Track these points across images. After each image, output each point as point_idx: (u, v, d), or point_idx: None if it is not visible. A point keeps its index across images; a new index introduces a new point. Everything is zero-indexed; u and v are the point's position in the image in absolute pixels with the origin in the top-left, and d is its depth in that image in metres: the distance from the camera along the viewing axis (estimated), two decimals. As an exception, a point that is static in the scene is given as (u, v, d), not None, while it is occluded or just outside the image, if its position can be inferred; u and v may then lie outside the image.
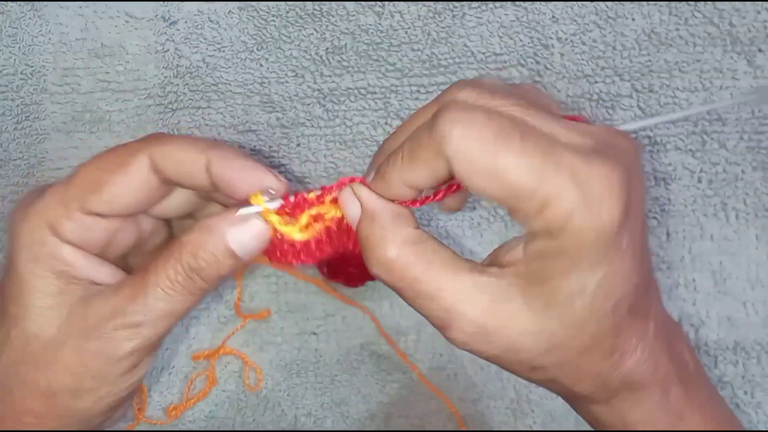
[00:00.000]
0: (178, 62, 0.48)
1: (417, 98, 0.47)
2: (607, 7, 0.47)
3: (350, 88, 0.48)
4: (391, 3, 0.48)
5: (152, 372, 0.47)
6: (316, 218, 0.34)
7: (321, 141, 0.48)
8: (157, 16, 0.49)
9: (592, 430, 0.35)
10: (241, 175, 0.34)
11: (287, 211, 0.34)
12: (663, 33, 0.47)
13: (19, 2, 0.49)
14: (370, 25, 0.48)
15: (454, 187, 0.33)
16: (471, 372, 0.47)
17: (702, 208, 0.46)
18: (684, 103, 0.47)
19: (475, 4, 0.48)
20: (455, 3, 0.48)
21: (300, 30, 0.48)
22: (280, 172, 0.47)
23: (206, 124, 0.48)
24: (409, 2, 0.48)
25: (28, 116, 0.48)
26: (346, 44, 0.48)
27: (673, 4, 0.47)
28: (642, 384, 0.32)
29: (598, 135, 0.30)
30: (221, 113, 0.48)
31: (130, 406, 0.45)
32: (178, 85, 0.48)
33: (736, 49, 0.47)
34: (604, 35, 0.47)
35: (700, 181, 0.46)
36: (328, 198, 0.34)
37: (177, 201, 0.38)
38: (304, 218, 0.34)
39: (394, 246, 0.31)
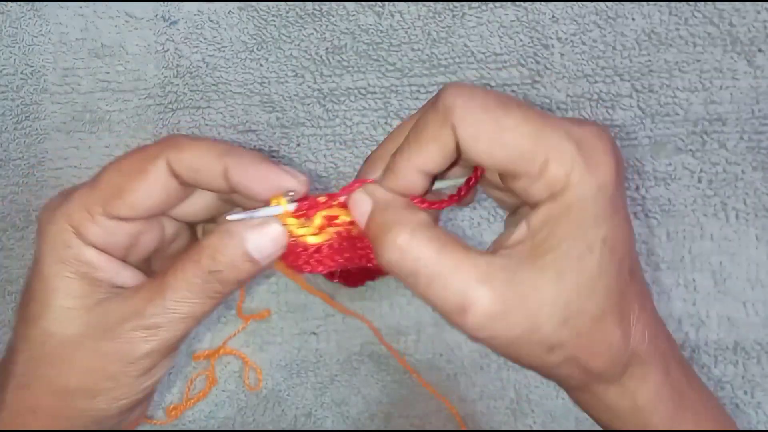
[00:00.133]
0: (178, 62, 0.48)
1: (417, 98, 0.47)
2: (607, 7, 0.47)
3: (350, 88, 0.48)
4: (391, 3, 0.48)
5: (152, 372, 0.47)
6: (329, 221, 0.35)
7: (321, 141, 0.48)
8: (157, 16, 0.49)
9: (592, 430, 0.35)
10: (259, 180, 0.34)
11: (302, 212, 0.34)
12: (663, 33, 0.47)
13: (19, 2, 0.49)
14: (370, 25, 0.48)
15: (463, 191, 0.34)
16: (471, 372, 0.47)
17: (702, 208, 0.46)
18: (684, 102, 0.47)
19: (475, 4, 0.48)
20: (455, 3, 0.48)
21: (300, 30, 0.48)
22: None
23: (206, 124, 0.48)
24: (409, 2, 0.48)
25: (28, 116, 0.48)
26: (346, 44, 0.48)
27: (673, 4, 0.47)
28: (648, 358, 0.32)
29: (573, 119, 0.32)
30: (221, 113, 0.48)
31: (146, 409, 0.44)
32: (178, 85, 0.48)
33: (736, 49, 0.47)
34: (604, 35, 0.47)
35: (700, 181, 0.46)
36: (340, 199, 0.34)
37: (198, 205, 0.38)
38: (317, 219, 0.34)
39: (407, 229, 0.31)
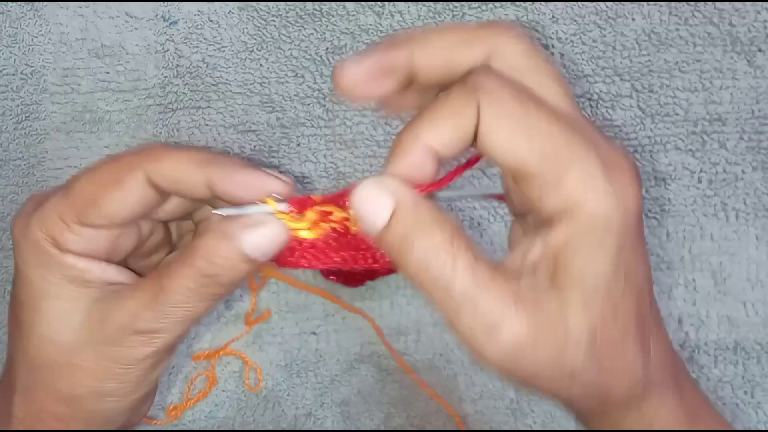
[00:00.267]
0: (178, 62, 0.48)
1: (417, 98, 0.47)
2: (607, 7, 0.47)
3: (350, 88, 0.48)
4: (391, 3, 0.48)
5: (152, 372, 0.47)
6: (323, 217, 0.34)
7: (321, 141, 0.48)
8: (157, 16, 0.49)
9: (593, 430, 0.35)
10: (245, 187, 0.34)
11: (293, 209, 0.34)
12: (663, 33, 0.47)
13: (19, 2, 0.49)
14: (370, 25, 0.48)
15: (468, 163, 0.32)
16: (471, 372, 0.47)
17: (702, 208, 0.46)
18: (684, 103, 0.47)
19: (475, 4, 0.48)
20: (455, 3, 0.48)
21: (300, 30, 0.48)
22: (280, 172, 0.48)
23: (206, 124, 0.48)
24: (409, 2, 0.48)
25: (28, 116, 0.48)
26: (346, 44, 0.48)
27: (673, 4, 0.47)
28: (664, 382, 0.31)
29: (609, 140, 0.30)
30: (221, 113, 0.48)
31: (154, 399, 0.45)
32: (178, 85, 0.48)
33: (736, 49, 0.47)
34: (604, 35, 0.47)
35: (700, 181, 0.46)
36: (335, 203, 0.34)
37: (173, 205, 0.38)
38: (310, 213, 0.34)
39: (433, 247, 0.28)
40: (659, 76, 0.47)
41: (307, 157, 0.48)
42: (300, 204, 0.34)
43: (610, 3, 0.47)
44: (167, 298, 0.33)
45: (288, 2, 0.48)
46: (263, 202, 0.34)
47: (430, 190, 0.29)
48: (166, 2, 0.48)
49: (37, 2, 0.49)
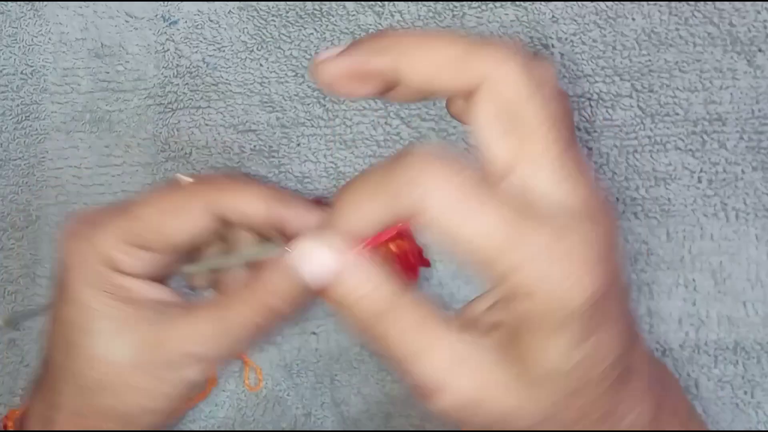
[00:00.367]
0: (178, 62, 0.48)
1: (417, 98, 0.47)
2: (607, 7, 0.47)
3: (350, 88, 0.48)
4: (391, 3, 0.48)
5: (152, 372, 0.47)
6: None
7: (321, 141, 0.48)
8: (157, 16, 0.49)
9: (591, 430, 0.35)
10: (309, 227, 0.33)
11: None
12: (663, 33, 0.47)
13: (19, 2, 0.49)
14: (370, 25, 0.48)
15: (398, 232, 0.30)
16: (471, 372, 0.47)
17: (702, 208, 0.46)
18: (684, 102, 0.47)
19: (475, 4, 0.48)
20: (455, 3, 0.48)
21: (300, 30, 0.48)
22: (280, 172, 0.48)
23: (206, 124, 0.48)
24: (409, 2, 0.48)
25: (28, 116, 0.48)
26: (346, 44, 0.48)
27: (673, 4, 0.47)
28: None
29: (586, 197, 0.27)
30: (221, 113, 0.48)
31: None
32: (178, 85, 0.48)
33: (736, 49, 0.47)
34: (604, 35, 0.47)
35: (700, 181, 0.46)
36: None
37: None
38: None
39: (374, 303, 0.27)
40: (659, 76, 0.47)
41: (307, 157, 0.48)
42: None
43: (610, 3, 0.47)
44: (229, 331, 0.33)
45: (288, 2, 0.48)
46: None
47: (372, 245, 0.28)
48: (166, 2, 0.48)
49: (37, 2, 0.49)
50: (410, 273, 0.34)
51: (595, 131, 0.47)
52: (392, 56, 0.28)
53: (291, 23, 0.48)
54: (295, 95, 0.48)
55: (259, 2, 0.48)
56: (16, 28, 0.49)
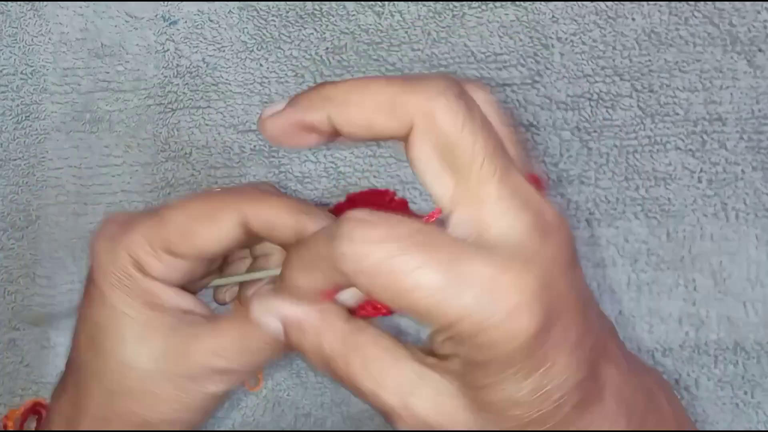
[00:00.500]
0: (178, 62, 0.48)
1: (417, 98, 0.47)
2: (607, 7, 0.47)
3: (350, 88, 0.48)
4: (391, 3, 0.48)
5: (152, 372, 0.47)
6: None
7: (321, 141, 0.48)
8: (157, 16, 0.49)
9: (592, 430, 0.35)
10: None
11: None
12: (663, 33, 0.47)
13: (19, 2, 0.49)
14: (370, 25, 0.48)
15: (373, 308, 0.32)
16: (471, 372, 0.47)
17: (702, 208, 0.46)
18: (684, 102, 0.47)
19: (475, 4, 0.48)
20: (455, 3, 0.48)
21: (300, 30, 0.48)
22: (280, 172, 0.48)
23: (206, 124, 0.48)
24: (409, 2, 0.48)
25: (28, 116, 0.48)
26: (346, 44, 0.48)
27: (673, 4, 0.47)
28: None
29: (537, 215, 0.27)
30: (221, 113, 0.48)
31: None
32: (178, 85, 0.48)
33: (736, 49, 0.47)
34: (604, 35, 0.47)
35: (700, 181, 0.46)
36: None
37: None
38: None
39: (327, 345, 0.29)
40: (659, 76, 0.47)
41: (307, 157, 0.48)
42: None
43: (610, 3, 0.47)
44: (254, 346, 0.34)
45: (288, 2, 0.48)
46: None
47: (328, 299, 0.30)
48: (166, 2, 0.48)
49: (37, 2, 0.49)
50: (376, 312, 0.35)
51: (595, 131, 0.47)
52: (326, 109, 0.29)
53: (291, 23, 0.48)
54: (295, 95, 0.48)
55: (259, 2, 0.48)
56: (16, 28, 0.49)
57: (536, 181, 0.29)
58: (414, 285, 0.26)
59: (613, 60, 0.47)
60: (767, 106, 0.46)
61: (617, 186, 0.47)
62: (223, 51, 0.48)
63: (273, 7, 0.48)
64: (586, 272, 0.41)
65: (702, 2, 0.47)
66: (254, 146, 0.48)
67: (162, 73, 0.48)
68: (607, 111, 0.47)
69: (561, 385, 0.27)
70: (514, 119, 0.46)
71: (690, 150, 0.47)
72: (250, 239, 0.36)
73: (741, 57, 0.47)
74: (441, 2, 0.48)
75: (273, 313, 0.30)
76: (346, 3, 0.48)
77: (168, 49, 0.48)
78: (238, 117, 0.48)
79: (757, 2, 0.46)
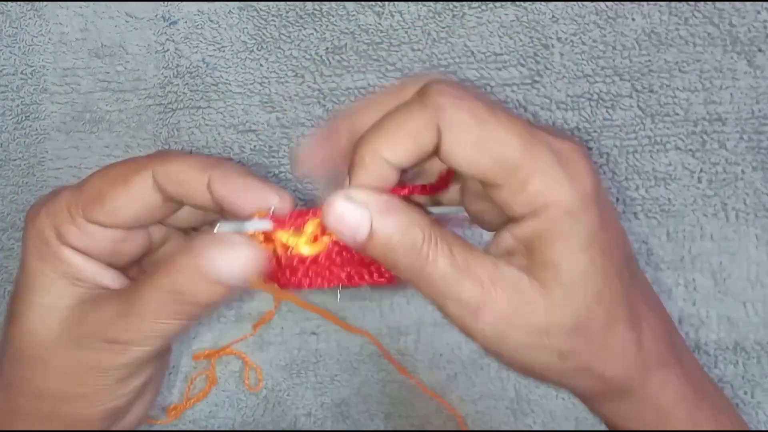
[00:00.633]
0: (178, 62, 0.48)
1: (417, 98, 0.47)
2: (607, 7, 0.47)
3: (350, 88, 0.48)
4: (391, 3, 0.48)
5: (152, 372, 0.47)
6: (324, 230, 0.33)
7: (321, 141, 0.48)
8: (157, 16, 0.49)
9: (592, 430, 0.35)
10: (242, 194, 0.33)
11: (292, 222, 0.33)
12: (663, 33, 0.47)
13: (19, 2, 0.49)
14: (370, 25, 0.48)
15: (442, 182, 0.33)
16: (471, 372, 0.47)
17: (702, 208, 0.46)
18: (684, 102, 0.47)
19: (475, 4, 0.48)
20: (455, 3, 0.48)
21: (300, 30, 0.48)
22: (280, 172, 0.48)
23: (206, 124, 0.48)
24: (409, 2, 0.48)
25: (28, 116, 0.48)
26: (346, 44, 0.48)
27: (673, 4, 0.47)
28: (665, 359, 0.32)
29: (547, 128, 0.32)
30: (221, 113, 0.48)
31: (144, 412, 0.44)
32: (178, 85, 0.48)
33: (736, 49, 0.47)
34: (604, 35, 0.47)
35: (700, 181, 0.46)
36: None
37: (188, 213, 0.37)
38: (310, 226, 0.32)
39: (420, 228, 0.29)
40: (659, 76, 0.47)
41: (307, 157, 0.48)
42: (299, 216, 0.33)
43: (610, 3, 0.47)
44: (136, 311, 0.33)
45: (288, 2, 0.48)
46: (261, 216, 0.33)
47: (399, 194, 0.31)
48: (166, 2, 0.48)
49: (37, 2, 0.49)
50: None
51: (595, 131, 0.47)
52: (347, 119, 0.32)
53: (291, 23, 0.48)
54: (295, 95, 0.48)
55: (259, 2, 0.48)
56: (16, 28, 0.49)
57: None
58: (503, 137, 0.28)
59: (613, 60, 0.47)
60: (767, 106, 0.46)
61: (617, 186, 0.47)
62: (223, 51, 0.48)
63: (273, 7, 0.48)
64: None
65: (702, 2, 0.47)
66: (254, 146, 0.48)
67: (162, 73, 0.48)
68: (607, 111, 0.47)
69: (619, 247, 0.30)
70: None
71: (690, 150, 0.47)
72: (170, 205, 0.35)
73: (741, 57, 0.47)
74: (441, 2, 0.48)
75: (360, 200, 0.29)
76: (346, 3, 0.48)
77: (168, 49, 0.48)
78: (238, 117, 0.48)
79: (757, 2, 0.46)
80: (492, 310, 0.29)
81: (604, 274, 0.30)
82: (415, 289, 0.30)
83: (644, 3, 0.47)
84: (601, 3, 0.47)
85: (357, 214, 0.29)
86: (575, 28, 0.47)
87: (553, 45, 0.47)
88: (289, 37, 0.48)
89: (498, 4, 0.47)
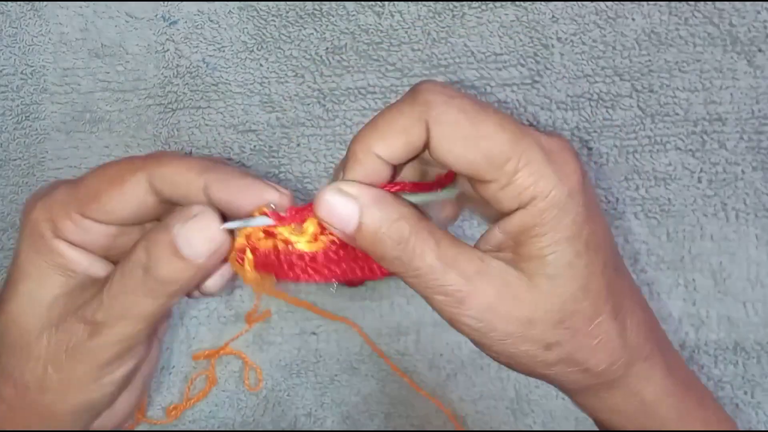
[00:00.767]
0: (178, 62, 0.48)
1: (417, 98, 0.47)
2: (607, 7, 0.47)
3: (350, 88, 0.48)
4: (391, 3, 0.48)
5: (152, 372, 0.47)
6: (323, 229, 0.33)
7: (321, 141, 0.48)
8: (157, 16, 0.49)
9: (592, 430, 0.35)
10: (240, 196, 0.33)
11: (293, 219, 0.33)
12: (663, 33, 0.47)
13: (19, 2, 0.49)
14: (370, 25, 0.48)
15: (437, 183, 0.33)
16: (471, 372, 0.47)
17: (702, 208, 0.46)
18: (684, 102, 0.47)
19: (475, 4, 0.48)
20: (455, 3, 0.48)
21: (300, 30, 0.48)
22: (280, 172, 0.48)
23: (206, 124, 0.48)
24: (409, 2, 0.48)
25: (28, 116, 0.48)
26: (346, 44, 0.48)
27: (673, 4, 0.47)
28: (649, 353, 0.32)
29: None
30: (221, 113, 0.48)
31: (130, 417, 0.44)
32: (178, 85, 0.48)
33: (736, 49, 0.47)
34: (604, 35, 0.47)
35: (700, 181, 0.46)
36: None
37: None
38: (311, 226, 0.33)
39: (407, 222, 0.30)
40: (659, 76, 0.47)
41: (307, 157, 0.48)
42: (299, 212, 0.33)
43: (610, 3, 0.47)
44: (111, 290, 0.33)
45: (288, 2, 0.48)
46: (261, 213, 0.33)
47: (391, 190, 0.32)
48: (166, 2, 0.48)
49: (37, 2, 0.49)
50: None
51: (595, 131, 0.47)
52: (363, 143, 0.32)
53: (291, 23, 0.48)
54: (295, 95, 0.48)
55: (259, 2, 0.48)
56: (16, 28, 0.49)
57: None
58: (491, 132, 0.29)
59: (613, 60, 0.47)
60: (767, 106, 0.46)
61: (617, 186, 0.47)
62: (223, 51, 0.48)
63: (273, 7, 0.48)
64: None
65: (702, 2, 0.47)
66: (254, 146, 0.48)
67: (162, 73, 0.48)
68: (607, 111, 0.47)
69: (603, 241, 0.31)
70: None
71: (690, 150, 0.47)
72: (165, 205, 0.35)
73: (741, 57, 0.47)
74: (441, 2, 0.48)
75: (350, 193, 0.30)
76: (346, 3, 0.48)
77: (168, 49, 0.48)
78: (238, 117, 0.48)
79: (757, 2, 0.46)
80: (476, 301, 0.30)
81: (589, 266, 0.30)
82: (404, 281, 0.31)
83: (644, 3, 0.47)
84: (601, 3, 0.47)
85: (347, 206, 0.30)
86: (575, 28, 0.47)
87: (553, 45, 0.47)
88: (289, 37, 0.48)
89: (498, 4, 0.47)
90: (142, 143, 0.48)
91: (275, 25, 0.48)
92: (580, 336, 0.31)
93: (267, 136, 0.48)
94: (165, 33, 0.48)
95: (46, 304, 0.34)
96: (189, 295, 0.35)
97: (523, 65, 0.47)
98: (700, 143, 0.46)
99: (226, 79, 0.48)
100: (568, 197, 0.29)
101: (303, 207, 0.33)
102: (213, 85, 0.48)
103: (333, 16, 0.48)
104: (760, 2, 0.46)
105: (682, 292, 0.46)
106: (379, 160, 0.31)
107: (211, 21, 0.48)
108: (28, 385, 0.34)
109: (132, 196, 0.34)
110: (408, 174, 0.34)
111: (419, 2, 0.48)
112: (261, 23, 0.48)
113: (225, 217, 0.33)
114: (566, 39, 0.47)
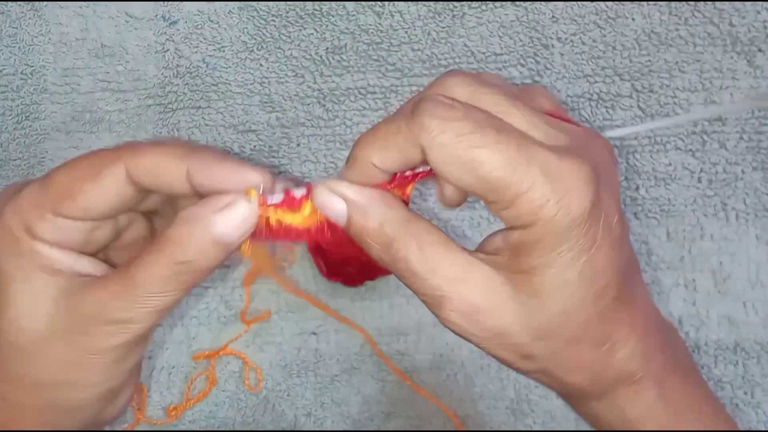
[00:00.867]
0: (178, 62, 0.48)
1: (417, 98, 0.47)
2: (607, 7, 0.47)
3: (350, 88, 0.48)
4: (391, 3, 0.48)
5: (152, 372, 0.47)
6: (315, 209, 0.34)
7: (321, 141, 0.48)
8: (157, 16, 0.49)
9: (592, 430, 0.35)
10: (225, 180, 0.33)
11: (289, 202, 0.33)
12: (663, 33, 0.47)
13: (19, 2, 0.49)
14: (370, 25, 0.48)
15: (425, 173, 0.33)
16: (471, 372, 0.47)
17: (702, 208, 0.46)
18: (684, 103, 0.47)
19: (475, 4, 0.48)
20: (455, 3, 0.48)
21: (300, 30, 0.48)
22: (280, 173, 0.48)
23: (206, 124, 0.48)
24: (409, 2, 0.48)
25: (28, 116, 0.48)
26: (346, 44, 0.48)
27: (673, 4, 0.47)
28: (638, 377, 0.32)
29: (576, 134, 0.31)
30: (221, 113, 0.48)
31: (131, 398, 0.44)
32: (178, 85, 0.48)
33: (736, 49, 0.47)
34: (604, 35, 0.47)
35: (700, 181, 0.46)
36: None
37: (151, 198, 0.37)
38: (307, 208, 0.33)
39: (389, 227, 0.31)
40: (659, 76, 0.47)
41: (307, 157, 0.48)
42: (295, 199, 0.33)
43: (610, 3, 0.47)
44: (139, 287, 0.33)
45: (288, 2, 0.48)
46: (248, 195, 0.33)
47: (386, 187, 0.32)
48: (166, 2, 0.48)
49: (37, 2, 0.49)
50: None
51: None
52: (365, 155, 0.32)
53: (291, 23, 0.48)
54: (295, 95, 0.48)
55: (259, 2, 0.48)
56: (16, 28, 0.49)
57: (557, 116, 0.32)
58: (487, 158, 0.29)
59: (613, 60, 0.47)
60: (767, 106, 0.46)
61: (617, 186, 0.47)
62: (223, 51, 0.48)
63: (273, 7, 0.48)
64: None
65: (702, 2, 0.47)
66: (254, 146, 0.48)
67: (162, 73, 0.48)
68: (607, 111, 0.47)
69: (604, 272, 0.30)
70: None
71: (690, 150, 0.47)
72: (144, 195, 0.35)
73: (741, 57, 0.47)
74: (441, 2, 0.48)
75: (339, 195, 0.32)
76: (346, 3, 0.48)
77: (168, 49, 0.48)
78: (238, 117, 0.48)
79: (757, 2, 0.46)
80: (456, 305, 0.31)
81: (575, 295, 0.30)
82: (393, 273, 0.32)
83: (644, 3, 0.47)
84: (601, 3, 0.47)
85: (336, 205, 0.32)
86: (575, 28, 0.47)
87: (553, 45, 0.47)
88: (289, 37, 0.48)
89: (498, 4, 0.47)
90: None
91: (275, 25, 0.48)
92: (557, 355, 0.31)
93: (267, 136, 0.48)
94: (165, 33, 0.48)
95: (46, 307, 0.34)
96: None
97: (523, 65, 0.47)
98: (700, 143, 0.47)
99: (226, 79, 0.48)
100: (567, 226, 0.29)
101: (291, 196, 0.34)
102: (213, 85, 0.48)
103: (333, 16, 0.48)
104: (760, 2, 0.46)
105: (682, 292, 0.46)
106: (376, 168, 0.31)
107: (211, 21, 0.48)
108: (46, 387, 0.34)
109: (109, 190, 0.34)
110: None
111: (419, 2, 0.48)
112: (261, 23, 0.48)
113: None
114: (566, 39, 0.47)
